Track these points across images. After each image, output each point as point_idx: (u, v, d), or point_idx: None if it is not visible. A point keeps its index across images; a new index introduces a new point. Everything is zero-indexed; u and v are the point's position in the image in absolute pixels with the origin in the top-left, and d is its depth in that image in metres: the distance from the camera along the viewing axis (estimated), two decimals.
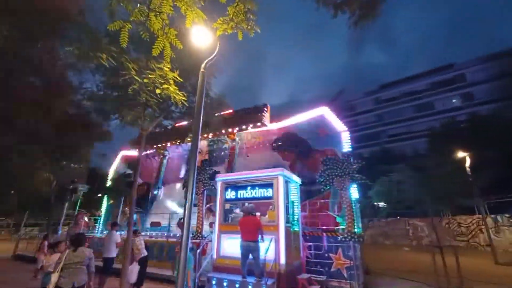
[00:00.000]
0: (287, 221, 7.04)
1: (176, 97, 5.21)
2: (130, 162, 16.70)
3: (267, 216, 7.05)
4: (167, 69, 4.94)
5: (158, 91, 5.04)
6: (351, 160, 7.92)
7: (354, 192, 8.11)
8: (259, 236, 6.00)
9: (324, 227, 9.61)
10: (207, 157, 12.97)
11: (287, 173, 7.55)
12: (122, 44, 3.28)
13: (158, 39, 3.49)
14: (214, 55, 4.42)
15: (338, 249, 8.23)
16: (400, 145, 34.07)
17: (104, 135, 12.73)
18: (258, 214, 7.15)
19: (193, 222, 9.78)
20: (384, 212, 18.70)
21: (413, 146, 29.99)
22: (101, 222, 15.36)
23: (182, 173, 13.90)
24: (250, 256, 6.02)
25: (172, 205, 13.69)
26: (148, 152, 12.80)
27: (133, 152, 19.39)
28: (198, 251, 7.92)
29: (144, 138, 6.64)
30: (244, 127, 12.21)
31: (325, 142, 13.21)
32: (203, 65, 4.46)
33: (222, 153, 13.61)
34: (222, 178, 7.84)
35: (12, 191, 9.62)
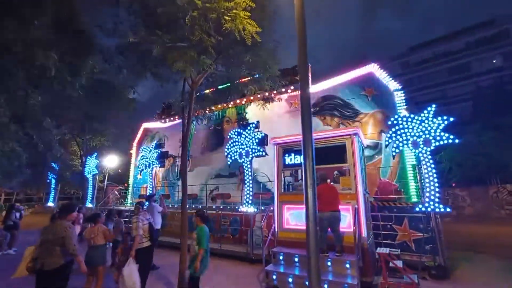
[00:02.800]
0: (365, 188, 6.00)
1: (248, 28, 3.92)
2: (156, 133, 15.91)
3: (339, 183, 6.02)
4: None
5: (227, 18, 3.73)
6: (432, 117, 6.56)
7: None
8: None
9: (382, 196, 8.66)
10: (236, 125, 11.87)
11: (361, 133, 6.34)
12: None
13: None
14: None
15: (404, 219, 7.28)
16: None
17: (129, 103, 11.69)
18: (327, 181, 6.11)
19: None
20: (454, 179, 16.84)
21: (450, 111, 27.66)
22: (129, 194, 15.10)
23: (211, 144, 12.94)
24: None
25: (202, 177, 12.92)
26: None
27: (156, 124, 18.56)
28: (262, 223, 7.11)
29: (194, 93, 5.49)
30: (283, 90, 10.83)
31: (374, 103, 11.74)
32: None
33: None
34: (279, 140, 6.74)
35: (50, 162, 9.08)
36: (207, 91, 7.08)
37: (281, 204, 6.37)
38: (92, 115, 10.39)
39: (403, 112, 10.65)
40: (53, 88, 7.30)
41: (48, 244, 3.49)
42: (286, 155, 6.61)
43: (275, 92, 7.06)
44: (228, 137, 8.22)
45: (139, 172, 10.93)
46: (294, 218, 6.17)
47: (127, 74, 7.18)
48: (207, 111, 7.44)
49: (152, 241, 4.96)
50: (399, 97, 10.88)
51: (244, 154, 7.76)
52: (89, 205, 11.75)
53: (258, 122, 8.10)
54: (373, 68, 11.75)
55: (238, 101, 10.82)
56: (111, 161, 15.20)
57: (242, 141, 7.85)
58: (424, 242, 6.83)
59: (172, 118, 16.47)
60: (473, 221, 14.48)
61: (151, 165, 9.83)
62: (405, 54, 38.04)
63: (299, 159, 6.43)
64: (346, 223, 5.52)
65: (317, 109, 12.40)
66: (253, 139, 7.69)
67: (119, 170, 18.35)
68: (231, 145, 8.07)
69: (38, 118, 7.41)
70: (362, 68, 11.97)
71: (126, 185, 16.67)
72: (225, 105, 10.55)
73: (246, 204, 7.55)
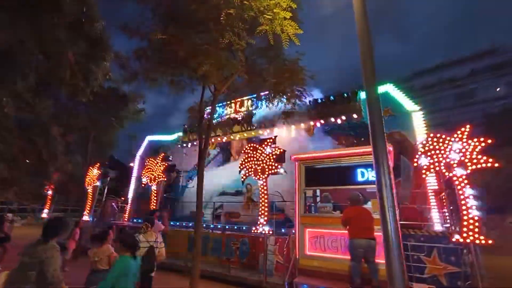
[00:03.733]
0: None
1: (288, 30, 3.58)
2: (161, 146, 15.45)
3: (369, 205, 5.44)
4: None
5: (267, 17, 3.39)
6: (466, 138, 6.11)
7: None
8: None
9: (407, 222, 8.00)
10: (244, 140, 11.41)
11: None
12: None
13: None
14: None
15: (433, 250, 6.58)
16: None
17: (137, 113, 11.38)
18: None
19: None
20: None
21: None
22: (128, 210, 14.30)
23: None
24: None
25: (206, 194, 12.25)
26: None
27: (161, 137, 18.09)
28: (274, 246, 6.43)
29: (216, 102, 5.09)
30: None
31: (390, 123, 11.36)
32: None
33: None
34: (301, 157, 6.25)
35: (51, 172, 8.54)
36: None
37: (303, 227, 5.76)
38: (99, 124, 10.01)
39: (422, 133, 10.21)
40: (62, 93, 6.97)
41: (24, 267, 2.76)
42: (310, 171, 6.10)
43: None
44: (243, 151, 7.74)
45: (142, 185, 10.34)
46: (317, 243, 5.53)
47: (143, 81, 6.86)
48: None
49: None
50: (418, 118, 10.50)
51: (259, 171, 7.23)
52: (86, 218, 11.03)
53: (275, 137, 7.65)
54: (388, 88, 11.54)
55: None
56: (112, 173, 14.56)
57: (258, 157, 7.36)
58: (458, 277, 6.11)
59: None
60: (490, 252, 13.54)
61: (156, 178, 9.28)
62: (410, 78, 38.53)
63: (323, 177, 5.92)
64: (381, 253, 4.88)
65: (333, 127, 12.04)
66: (270, 155, 7.20)
67: (117, 183, 17.63)
68: (246, 160, 7.57)
69: (46, 125, 7.00)
70: (378, 87, 11.77)
71: (123, 198, 15.90)
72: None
73: (261, 225, 6.90)
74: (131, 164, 18.49)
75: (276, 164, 7.08)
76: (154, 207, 9.16)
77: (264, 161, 7.28)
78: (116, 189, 18.32)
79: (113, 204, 15.14)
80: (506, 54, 32.41)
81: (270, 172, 7.12)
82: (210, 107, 5.31)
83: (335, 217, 5.48)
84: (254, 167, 7.39)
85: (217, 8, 3.70)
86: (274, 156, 7.15)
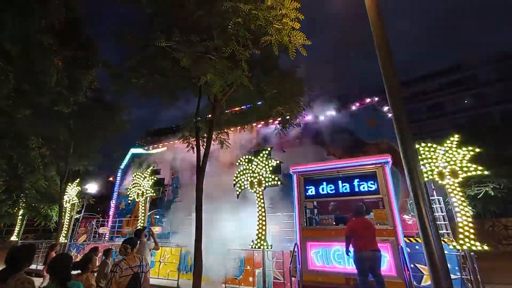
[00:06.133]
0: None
1: (296, 40, 3.55)
2: (145, 159, 14.81)
3: (371, 216, 5.40)
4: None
5: (276, 27, 3.35)
6: (455, 147, 6.35)
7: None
8: None
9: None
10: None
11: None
12: None
13: None
14: None
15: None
16: None
17: (122, 125, 10.84)
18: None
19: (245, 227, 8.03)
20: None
21: None
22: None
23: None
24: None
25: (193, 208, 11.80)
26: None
27: (143, 150, 17.39)
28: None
29: (217, 112, 4.92)
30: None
31: (377, 133, 11.74)
32: None
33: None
34: (299, 169, 6.16)
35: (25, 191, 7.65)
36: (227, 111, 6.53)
37: (305, 241, 5.59)
38: (79, 136, 9.34)
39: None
40: (42, 103, 6.44)
41: None
42: (309, 184, 6.00)
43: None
44: (237, 163, 7.51)
45: (128, 201, 9.65)
46: (320, 257, 5.38)
47: (134, 92, 6.52)
48: (224, 133, 6.79)
49: None
50: None
51: (256, 183, 7.03)
52: (63, 240, 10.06)
53: (271, 148, 7.52)
54: (373, 101, 12.04)
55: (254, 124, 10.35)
56: (91, 188, 13.64)
57: (253, 169, 7.18)
58: (457, 285, 6.19)
59: (161, 144, 15.53)
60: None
61: (144, 193, 8.72)
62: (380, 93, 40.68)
63: (323, 189, 5.83)
64: (385, 265, 4.81)
65: (322, 137, 12.20)
66: (267, 166, 7.05)
67: (93, 200, 16.44)
68: (241, 173, 7.35)
69: (23, 136, 6.34)
70: (363, 99, 12.22)
71: (100, 215, 14.90)
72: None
73: (258, 240, 6.63)
74: (111, 179, 17.51)
75: (273, 176, 6.94)
76: (142, 224, 8.57)
77: (261, 173, 7.11)
78: (94, 205, 17.17)
79: (92, 222, 14.09)
80: (469, 71, 35.34)
81: (266, 184, 6.95)
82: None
83: (339, 229, 5.38)
84: (250, 179, 7.19)
85: (223, 16, 3.60)
86: (271, 168, 7.01)
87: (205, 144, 5.04)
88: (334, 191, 5.72)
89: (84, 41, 5.90)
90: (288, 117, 5.95)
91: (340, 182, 5.71)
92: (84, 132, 9.33)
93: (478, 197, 12.65)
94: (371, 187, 5.42)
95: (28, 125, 6.16)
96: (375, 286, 4.48)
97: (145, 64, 5.38)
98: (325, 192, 5.80)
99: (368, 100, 12.20)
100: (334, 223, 5.54)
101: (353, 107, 12.28)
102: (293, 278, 6.94)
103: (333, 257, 5.23)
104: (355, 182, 5.57)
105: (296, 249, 5.44)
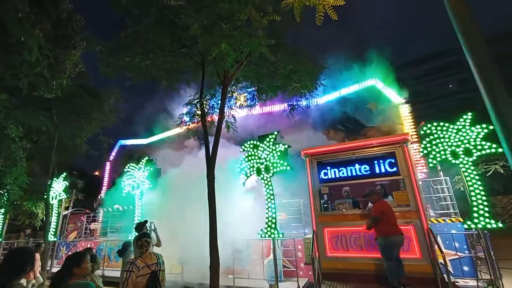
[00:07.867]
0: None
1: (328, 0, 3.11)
2: (135, 151, 14.05)
3: (391, 198, 5.17)
4: None
5: None
6: (469, 125, 6.18)
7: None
8: None
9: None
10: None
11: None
12: None
13: None
14: None
15: (436, 238, 6.65)
16: None
17: (110, 113, 10.05)
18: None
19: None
20: None
21: None
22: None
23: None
24: None
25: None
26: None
27: (134, 141, 16.58)
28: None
29: (227, 91, 4.42)
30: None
31: (378, 117, 11.57)
32: None
33: None
34: (311, 152, 5.81)
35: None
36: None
37: (321, 227, 5.31)
38: (64, 125, 8.51)
39: (409, 125, 10.47)
40: (22, 88, 5.65)
41: None
42: (323, 167, 5.68)
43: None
44: (241, 150, 7.06)
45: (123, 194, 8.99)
46: (338, 243, 5.12)
47: (124, 74, 5.82)
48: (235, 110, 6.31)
49: None
50: (404, 111, 10.73)
51: (263, 169, 6.64)
52: (52, 238, 9.36)
53: (279, 131, 7.12)
54: (374, 82, 11.74)
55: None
56: (81, 183, 12.83)
57: (260, 155, 6.76)
58: (462, 263, 6.23)
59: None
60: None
61: (140, 185, 8.15)
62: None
63: (339, 171, 5.53)
64: (409, 247, 4.62)
65: (322, 121, 11.93)
66: (274, 152, 6.64)
67: (82, 195, 15.57)
68: (246, 159, 6.92)
69: (1, 124, 5.53)
70: (364, 82, 11.93)
71: (87, 210, 14.12)
72: None
73: (268, 228, 6.30)
74: (96, 173, 16.68)
75: (281, 161, 6.55)
76: (139, 218, 8.02)
77: (268, 159, 6.70)
78: (83, 200, 16.27)
79: (82, 218, 13.32)
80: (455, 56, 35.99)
81: (275, 169, 6.57)
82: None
83: (356, 213, 5.13)
84: (256, 165, 6.78)
85: None
86: (279, 153, 6.61)
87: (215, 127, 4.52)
88: (350, 173, 5.43)
89: (67, 13, 5.11)
90: (303, 94, 5.50)
91: (356, 164, 5.41)
92: (69, 122, 8.51)
93: (488, 175, 13.22)
94: (390, 168, 5.16)
95: (4, 112, 5.38)
96: (400, 270, 4.30)
97: (140, 40, 4.76)
98: (341, 175, 5.50)
99: (369, 81, 11.88)
100: (351, 207, 5.28)
101: (354, 89, 11.99)
102: (303, 265, 6.75)
103: (353, 242, 4.99)
104: (373, 163, 5.29)
105: (313, 236, 5.15)
